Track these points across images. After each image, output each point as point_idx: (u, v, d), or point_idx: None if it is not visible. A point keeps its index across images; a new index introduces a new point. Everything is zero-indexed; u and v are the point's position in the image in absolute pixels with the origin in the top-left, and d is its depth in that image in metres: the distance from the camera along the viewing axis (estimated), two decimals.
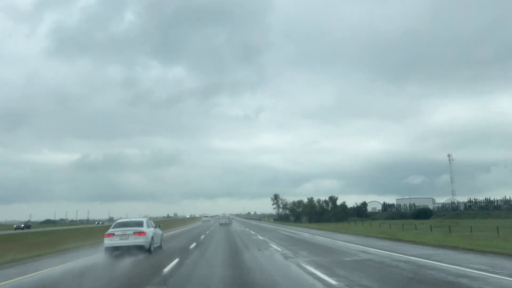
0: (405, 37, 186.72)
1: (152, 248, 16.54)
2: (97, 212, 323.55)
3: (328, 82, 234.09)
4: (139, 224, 16.94)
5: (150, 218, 24.10)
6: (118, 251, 15.95)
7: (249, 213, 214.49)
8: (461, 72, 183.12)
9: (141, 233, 16.09)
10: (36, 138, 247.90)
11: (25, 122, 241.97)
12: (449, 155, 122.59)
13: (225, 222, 59.64)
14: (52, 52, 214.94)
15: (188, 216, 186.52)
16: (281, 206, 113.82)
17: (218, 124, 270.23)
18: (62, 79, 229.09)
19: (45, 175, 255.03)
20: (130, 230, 16.19)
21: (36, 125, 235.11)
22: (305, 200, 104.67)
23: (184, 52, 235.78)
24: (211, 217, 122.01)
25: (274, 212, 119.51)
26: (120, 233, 16.05)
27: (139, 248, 15.80)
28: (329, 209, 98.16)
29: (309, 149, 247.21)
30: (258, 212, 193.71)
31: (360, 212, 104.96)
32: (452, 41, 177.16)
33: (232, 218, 75.76)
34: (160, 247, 18.64)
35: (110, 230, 16.32)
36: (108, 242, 15.90)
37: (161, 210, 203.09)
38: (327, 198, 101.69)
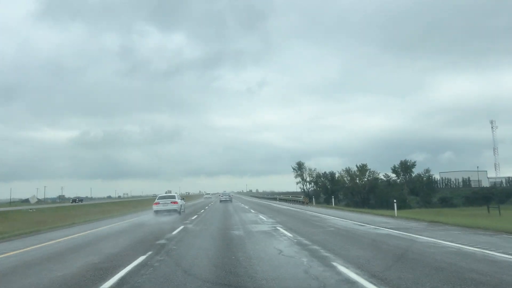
0: (416, 5, 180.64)
1: (180, 211, 29.78)
2: (99, 190, 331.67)
3: (332, 55, 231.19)
4: (173, 197, 30.35)
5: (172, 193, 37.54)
6: (162, 212, 28.90)
7: (250, 190, 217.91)
8: (472, 44, 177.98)
9: (175, 202, 29.33)
10: (33, 114, 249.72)
11: (20, 97, 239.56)
12: (492, 122, 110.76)
13: (225, 199, 62.00)
14: (42, 17, 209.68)
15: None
16: (307, 179, 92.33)
17: (219, 100, 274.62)
18: (56, 49, 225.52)
19: (44, 152, 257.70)
20: (168, 200, 29.51)
21: (32, 100, 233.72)
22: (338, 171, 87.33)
23: (184, 17, 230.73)
24: (212, 194, 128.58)
25: (294, 187, 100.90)
26: (162, 202, 29.21)
27: (174, 211, 29.05)
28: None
29: (311, 125, 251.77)
30: (269, 190, 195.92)
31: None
32: (465, 9, 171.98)
33: (232, 195, 75.56)
34: (184, 211, 31.88)
35: (156, 201, 29.59)
36: (155, 207, 29.16)
37: (162, 188, 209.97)
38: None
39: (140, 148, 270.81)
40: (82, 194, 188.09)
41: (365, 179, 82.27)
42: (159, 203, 29.36)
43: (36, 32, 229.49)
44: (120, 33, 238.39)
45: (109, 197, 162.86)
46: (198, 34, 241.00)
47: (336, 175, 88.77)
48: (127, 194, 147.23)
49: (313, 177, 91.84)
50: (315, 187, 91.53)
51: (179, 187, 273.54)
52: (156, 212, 28.81)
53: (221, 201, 61.10)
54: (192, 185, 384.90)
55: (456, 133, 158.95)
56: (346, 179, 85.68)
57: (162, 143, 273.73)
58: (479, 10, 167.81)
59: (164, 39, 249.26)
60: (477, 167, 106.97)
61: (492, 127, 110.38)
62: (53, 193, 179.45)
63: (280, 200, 65.94)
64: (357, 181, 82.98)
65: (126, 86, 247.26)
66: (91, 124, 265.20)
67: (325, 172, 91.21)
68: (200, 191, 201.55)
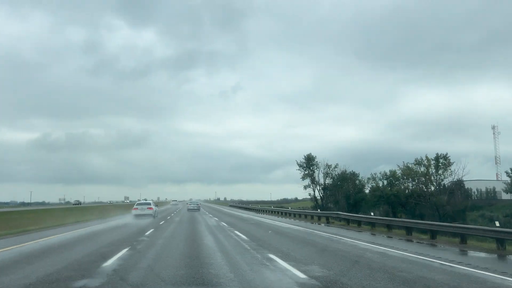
0: (391, 17, 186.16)
1: (155, 216, 38.57)
2: (59, 195, 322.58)
3: (307, 64, 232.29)
4: (149, 204, 39.20)
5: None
6: (139, 216, 37.42)
7: (218, 198, 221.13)
8: (443, 58, 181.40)
9: (150, 208, 38.09)
10: None
11: None
12: (493, 127, 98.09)
13: (192, 208, 60.33)
14: None
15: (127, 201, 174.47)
16: (320, 182, 66.61)
17: (190, 105, 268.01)
18: (13, 41, 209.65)
19: (1, 155, 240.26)
20: (145, 206, 38.24)
21: None
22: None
23: (156, 12, 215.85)
24: (179, 201, 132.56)
25: (303, 194, 73.18)
26: (140, 208, 37.97)
27: (150, 215, 37.57)
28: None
29: (282, 134, 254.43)
30: (237, 198, 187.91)
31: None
32: (438, 23, 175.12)
33: (200, 204, 71.12)
34: (157, 216, 40.66)
35: (135, 206, 38.27)
36: (134, 212, 37.67)
37: (127, 194, 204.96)
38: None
39: (105, 152, 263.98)
40: (40, 199, 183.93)
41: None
42: (137, 208, 37.98)
43: None
44: (86, 26, 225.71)
45: (68, 202, 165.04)
46: (171, 32, 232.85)
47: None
48: (78, 201, 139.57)
49: (333, 178, 65.98)
50: (325, 193, 66.71)
51: (140, 194, 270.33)
52: (135, 216, 37.36)
53: (188, 209, 60.18)
54: (159, 192, 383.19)
55: (423, 146, 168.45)
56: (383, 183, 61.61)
57: (128, 148, 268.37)
58: (449, 25, 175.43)
59: (134, 35, 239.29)
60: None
61: (493, 133, 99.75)
62: (8, 198, 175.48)
63: (262, 211, 55.26)
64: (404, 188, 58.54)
65: (91, 85, 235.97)
66: (53, 125, 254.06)
67: (343, 171, 65.11)
68: (166, 199, 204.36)
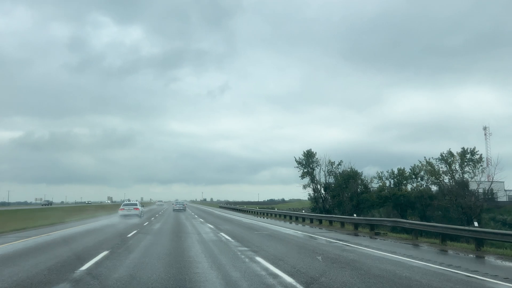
0: (378, 20, 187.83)
1: (141, 216, 38.62)
2: (42, 194, 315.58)
3: (294, 65, 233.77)
4: (135, 204, 39.26)
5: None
6: (126, 216, 37.50)
7: (205, 199, 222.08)
8: (429, 61, 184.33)
9: (136, 208, 38.15)
10: None
11: None
12: (485, 128, 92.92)
13: (178, 208, 61.05)
14: None
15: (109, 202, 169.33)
16: (321, 180, 61.62)
17: (177, 104, 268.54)
18: None
19: None
20: (132, 207, 38.28)
21: None
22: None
23: (143, 9, 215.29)
24: (164, 202, 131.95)
25: (290, 195, 79.49)
26: (127, 208, 37.98)
27: (136, 215, 37.70)
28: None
29: (269, 135, 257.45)
30: (223, 199, 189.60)
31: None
32: (425, 27, 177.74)
33: (185, 204, 72.13)
34: (143, 216, 40.69)
35: (122, 207, 38.28)
36: (121, 212, 37.74)
37: (112, 194, 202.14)
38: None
39: (89, 152, 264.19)
40: (22, 198, 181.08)
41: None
42: (124, 209, 38.02)
43: None
44: (71, 23, 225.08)
45: (62, 202, 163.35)
46: (158, 29, 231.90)
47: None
48: (48, 201, 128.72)
49: (336, 177, 60.68)
50: (326, 193, 61.46)
51: (124, 194, 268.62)
52: (122, 216, 37.38)
53: (174, 210, 61.00)
54: (144, 193, 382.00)
55: (409, 148, 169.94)
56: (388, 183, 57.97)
57: (113, 148, 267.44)
58: (435, 29, 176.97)
59: (120, 32, 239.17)
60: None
61: (485, 134, 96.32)
62: None
63: (263, 214, 49.39)
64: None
65: (76, 83, 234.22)
66: (37, 124, 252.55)
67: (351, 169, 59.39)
68: (151, 199, 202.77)
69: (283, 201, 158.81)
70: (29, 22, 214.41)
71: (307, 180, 62.41)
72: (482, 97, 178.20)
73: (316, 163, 62.68)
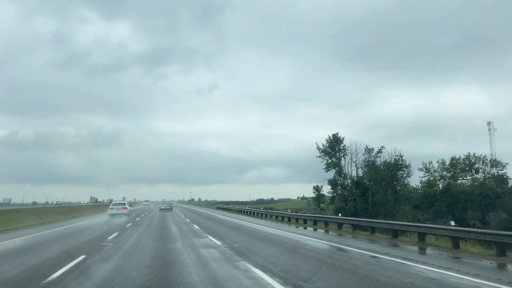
0: (368, 18, 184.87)
1: (129, 214, 39.49)
2: (26, 195, 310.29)
3: (284, 64, 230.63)
4: (124, 204, 40.51)
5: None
6: (115, 215, 38.25)
7: (193, 199, 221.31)
8: (417, 60, 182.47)
9: (125, 208, 39.10)
10: None
11: None
12: (489, 123, 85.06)
13: (165, 207, 61.28)
14: None
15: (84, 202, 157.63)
16: (351, 174, 50.69)
17: (164, 103, 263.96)
18: None
19: None
20: (120, 206, 39.25)
21: None
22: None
23: (130, 4, 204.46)
24: (151, 202, 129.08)
25: (280, 194, 69.56)
26: (116, 207, 38.77)
27: (125, 214, 38.70)
28: None
29: (257, 135, 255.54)
30: (211, 199, 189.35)
31: None
32: (414, 26, 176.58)
33: (172, 204, 73.31)
34: (131, 214, 41.47)
35: (111, 206, 39.19)
36: (110, 211, 38.69)
37: (97, 194, 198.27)
38: None
39: (75, 151, 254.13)
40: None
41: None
42: (113, 208, 38.98)
43: None
44: (55, 17, 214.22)
45: (35, 203, 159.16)
46: (146, 25, 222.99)
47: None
48: None
49: (374, 168, 47.74)
50: (357, 190, 48.79)
51: (109, 194, 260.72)
52: (111, 215, 38.16)
53: (160, 209, 61.02)
54: (131, 193, 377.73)
55: (397, 147, 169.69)
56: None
57: (99, 147, 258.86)
58: (424, 28, 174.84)
59: (107, 28, 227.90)
60: None
61: (489, 129, 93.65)
62: None
63: (267, 216, 39.63)
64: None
65: (60, 81, 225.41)
66: (20, 123, 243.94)
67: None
68: (135, 199, 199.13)
69: (272, 200, 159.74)
70: (11, 17, 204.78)
71: (332, 173, 50.69)
72: (469, 96, 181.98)
73: (343, 152, 50.75)
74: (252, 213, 47.59)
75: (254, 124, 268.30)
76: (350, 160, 50.78)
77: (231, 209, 66.30)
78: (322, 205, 68.80)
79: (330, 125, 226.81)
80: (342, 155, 51.14)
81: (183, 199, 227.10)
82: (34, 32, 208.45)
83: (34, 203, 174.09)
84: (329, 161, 51.25)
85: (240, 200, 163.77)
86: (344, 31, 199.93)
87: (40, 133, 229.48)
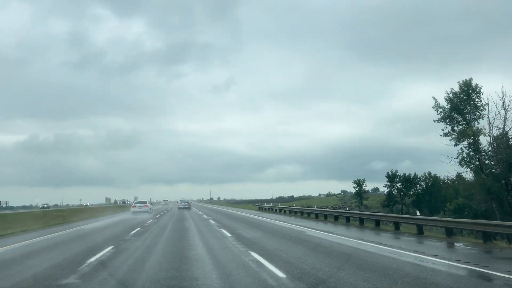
0: (385, 8, 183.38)
1: (150, 211, 43.73)
2: (49, 198, 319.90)
3: (298, 59, 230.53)
4: (145, 202, 44.90)
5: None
6: (137, 213, 42.52)
7: (212, 198, 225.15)
8: (437, 51, 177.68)
9: (146, 206, 43.49)
10: None
11: None
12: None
13: (183, 206, 61.27)
14: None
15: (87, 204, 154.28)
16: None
17: (180, 102, 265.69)
18: None
19: None
20: (142, 204, 43.61)
21: None
22: None
23: (144, 1, 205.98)
24: (170, 202, 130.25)
25: (312, 192, 62.98)
26: (138, 206, 43.24)
27: (146, 211, 42.86)
28: None
29: (273, 132, 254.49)
30: (230, 197, 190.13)
31: None
32: (433, 15, 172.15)
33: (191, 202, 72.41)
34: (152, 212, 45.77)
35: (134, 204, 43.60)
36: (133, 209, 42.95)
37: (116, 196, 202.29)
38: None
39: (94, 153, 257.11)
40: (27, 202, 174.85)
41: None
42: (135, 206, 43.49)
43: None
44: (69, 17, 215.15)
45: (56, 205, 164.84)
46: (160, 21, 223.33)
47: None
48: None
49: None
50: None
51: (126, 194, 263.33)
52: (133, 212, 42.45)
53: (179, 208, 61.48)
54: (150, 193, 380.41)
55: (415, 141, 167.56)
56: None
57: (117, 149, 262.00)
58: (444, 17, 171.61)
59: (121, 25, 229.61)
60: None
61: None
62: None
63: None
64: None
65: (77, 82, 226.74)
66: (39, 127, 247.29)
67: None
68: (150, 199, 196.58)
69: (292, 198, 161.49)
70: (26, 19, 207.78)
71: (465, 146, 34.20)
72: (492, 86, 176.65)
73: (479, 109, 34.03)
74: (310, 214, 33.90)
75: (270, 121, 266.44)
76: (490, 127, 32.51)
77: (278, 210, 47.07)
78: (365, 201, 67.50)
79: (347, 120, 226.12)
80: (477, 117, 33.71)
81: (202, 198, 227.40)
82: (49, 33, 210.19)
83: (56, 205, 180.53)
84: (454, 128, 34.15)
85: (261, 198, 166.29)
86: (360, 23, 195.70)
87: (59, 136, 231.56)
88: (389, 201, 59.99)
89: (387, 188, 56.97)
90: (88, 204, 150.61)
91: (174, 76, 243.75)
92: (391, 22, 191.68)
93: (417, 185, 62.26)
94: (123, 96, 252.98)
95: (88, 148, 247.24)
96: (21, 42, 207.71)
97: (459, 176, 39.41)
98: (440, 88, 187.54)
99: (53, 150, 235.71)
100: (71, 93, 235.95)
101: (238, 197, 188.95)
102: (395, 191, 61.18)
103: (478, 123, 34.34)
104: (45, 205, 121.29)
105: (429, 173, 63.53)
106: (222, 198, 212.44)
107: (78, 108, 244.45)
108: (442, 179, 56.49)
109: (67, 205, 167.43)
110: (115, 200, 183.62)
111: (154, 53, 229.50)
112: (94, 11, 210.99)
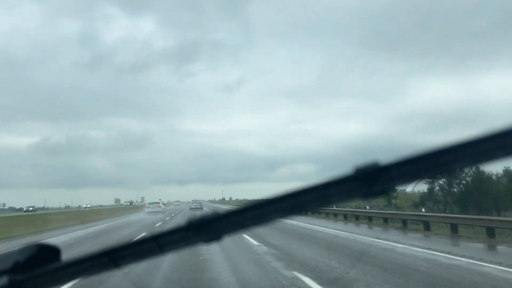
0: (399, 4, 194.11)
1: (163, 211, 46.37)
2: (62, 199, 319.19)
3: (311, 56, 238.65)
4: (158, 203, 47.20)
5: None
6: (151, 213, 45.14)
7: (223, 198, 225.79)
8: (453, 46, 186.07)
9: (159, 206, 46.04)
10: None
11: None
12: None
13: (195, 206, 60.36)
14: None
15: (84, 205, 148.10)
16: None
17: (191, 103, 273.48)
18: (2, 37, 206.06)
19: (1, 160, 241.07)
20: (155, 204, 46.24)
21: None
22: None
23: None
24: (182, 202, 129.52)
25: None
26: (151, 206, 45.96)
27: (159, 212, 45.25)
28: None
29: (285, 131, 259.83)
30: (242, 198, 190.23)
31: None
32: (448, 10, 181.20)
33: (202, 203, 72.35)
34: (165, 212, 48.37)
35: (147, 205, 46.32)
36: (147, 210, 45.52)
37: (128, 197, 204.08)
38: None
39: (106, 155, 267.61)
40: (40, 204, 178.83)
41: None
42: (149, 207, 46.14)
43: None
44: (79, 16, 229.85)
45: (68, 207, 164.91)
46: (171, 19, 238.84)
47: None
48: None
49: None
50: None
51: (137, 195, 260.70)
52: (148, 213, 45.07)
53: (191, 208, 60.53)
54: (162, 194, 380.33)
55: (431, 138, 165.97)
56: None
57: (129, 150, 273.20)
58: (459, 11, 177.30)
59: (131, 24, 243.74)
60: None
61: None
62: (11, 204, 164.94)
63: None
64: None
65: (88, 83, 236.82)
66: (51, 128, 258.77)
67: None
68: (160, 199, 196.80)
69: None
70: (36, 20, 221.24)
71: None
72: (510, 81, 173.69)
73: None
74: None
75: (282, 120, 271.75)
76: None
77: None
78: (393, 201, 65.42)
79: (360, 117, 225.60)
80: None
81: (214, 199, 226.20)
82: (60, 34, 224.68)
83: (68, 207, 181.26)
84: None
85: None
86: (374, 19, 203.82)
87: (72, 138, 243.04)
88: (429, 199, 54.54)
89: (428, 185, 51.09)
90: (88, 206, 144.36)
91: (185, 75, 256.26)
92: (405, 18, 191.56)
93: (463, 181, 56.19)
94: (134, 97, 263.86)
95: (99, 150, 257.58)
96: (32, 43, 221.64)
97: (507, 170, 36.64)
98: (455, 84, 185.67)
99: (65, 152, 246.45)
100: (82, 94, 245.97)
101: (250, 197, 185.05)
102: (437, 187, 56.11)
103: None
104: (30, 208, 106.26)
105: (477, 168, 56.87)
106: (234, 198, 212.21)
107: (89, 109, 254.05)
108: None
109: (68, 206, 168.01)
110: (120, 200, 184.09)
111: (164, 52, 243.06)
112: (103, 10, 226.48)
